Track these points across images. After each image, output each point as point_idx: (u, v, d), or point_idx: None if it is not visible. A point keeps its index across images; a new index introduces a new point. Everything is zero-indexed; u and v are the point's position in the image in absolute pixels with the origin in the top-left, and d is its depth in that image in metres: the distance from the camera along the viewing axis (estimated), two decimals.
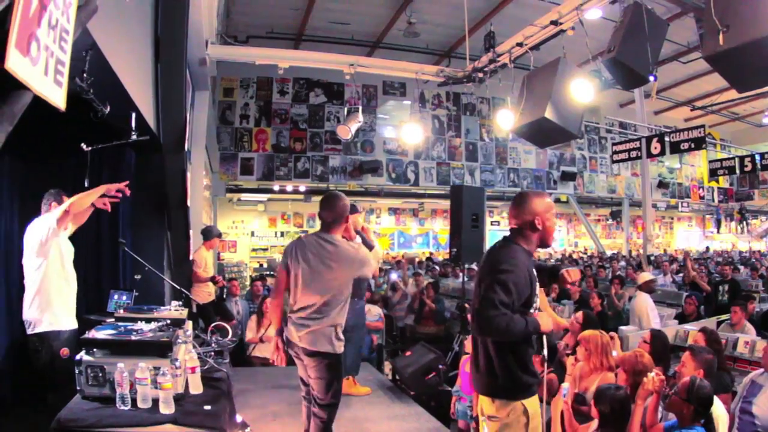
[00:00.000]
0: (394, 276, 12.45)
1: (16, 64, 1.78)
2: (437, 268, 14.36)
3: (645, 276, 8.06)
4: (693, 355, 3.81)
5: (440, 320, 9.23)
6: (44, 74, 2.04)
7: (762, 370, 3.79)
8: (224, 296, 8.47)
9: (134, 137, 5.43)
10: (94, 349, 3.42)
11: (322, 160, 17.91)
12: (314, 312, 3.74)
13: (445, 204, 17.38)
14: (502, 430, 2.90)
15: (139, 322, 3.89)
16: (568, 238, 26.09)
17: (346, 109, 16.13)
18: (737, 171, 15.38)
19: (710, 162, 16.23)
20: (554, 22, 7.35)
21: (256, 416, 4.88)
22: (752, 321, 6.59)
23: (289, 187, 18.37)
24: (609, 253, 21.79)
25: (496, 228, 22.96)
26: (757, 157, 15.19)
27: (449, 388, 5.74)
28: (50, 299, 4.00)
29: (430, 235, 23.18)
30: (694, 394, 3.08)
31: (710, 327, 6.15)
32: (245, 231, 20.25)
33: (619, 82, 6.46)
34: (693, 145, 10.20)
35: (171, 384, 3.21)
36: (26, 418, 4.38)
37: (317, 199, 17.13)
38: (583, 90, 7.08)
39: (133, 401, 3.20)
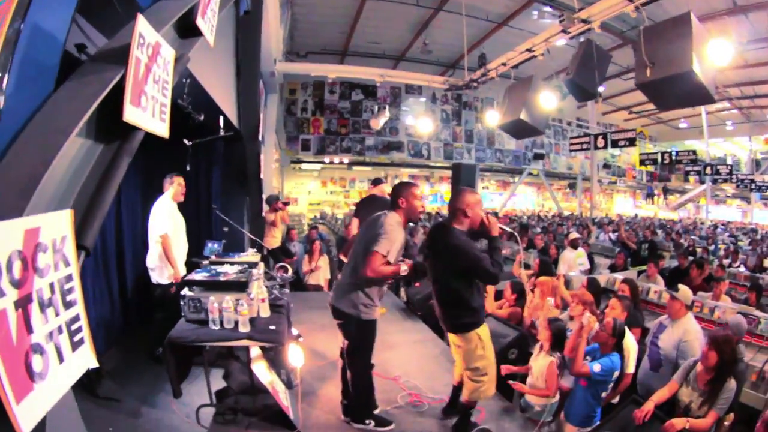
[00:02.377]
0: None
1: (131, 115, 1.85)
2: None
3: (573, 235, 7.86)
4: (619, 301, 3.81)
5: None
6: (152, 116, 2.09)
7: (667, 315, 3.72)
8: (286, 242, 8.25)
9: (222, 134, 5.52)
10: (194, 287, 3.45)
11: (361, 140, 17.97)
12: (347, 273, 3.07)
13: (449, 173, 17.46)
14: (467, 353, 3.00)
15: (225, 265, 3.90)
16: (537, 201, 25.65)
17: (377, 107, 16.13)
18: (659, 162, 15.01)
19: (640, 154, 15.95)
20: (529, 50, 7.14)
21: (307, 328, 4.85)
22: (663, 274, 6.47)
23: (336, 160, 18.43)
24: (566, 213, 21.53)
25: (486, 191, 22.81)
26: (674, 154, 15.11)
27: None
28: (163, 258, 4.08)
29: (438, 195, 23.01)
30: (617, 331, 3.12)
31: (632, 276, 6.12)
32: (304, 190, 20.40)
33: (575, 96, 6.31)
34: (627, 143, 9.92)
35: (247, 311, 3.21)
36: (142, 334, 4.53)
37: (357, 167, 17.41)
38: (548, 100, 6.97)
39: (221, 323, 3.22)
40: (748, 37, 10.65)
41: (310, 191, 20.60)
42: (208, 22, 2.85)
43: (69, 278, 1.48)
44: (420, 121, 11.49)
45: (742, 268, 8.07)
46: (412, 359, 4.44)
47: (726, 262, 8.57)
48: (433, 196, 22.98)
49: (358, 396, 3.19)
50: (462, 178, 12.91)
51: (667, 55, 4.12)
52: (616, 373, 3.13)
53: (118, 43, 1.91)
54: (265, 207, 7.33)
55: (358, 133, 17.86)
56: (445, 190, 22.82)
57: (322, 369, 4.07)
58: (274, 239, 7.24)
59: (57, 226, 1.41)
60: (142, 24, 1.89)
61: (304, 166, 19.39)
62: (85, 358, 1.57)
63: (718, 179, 18.06)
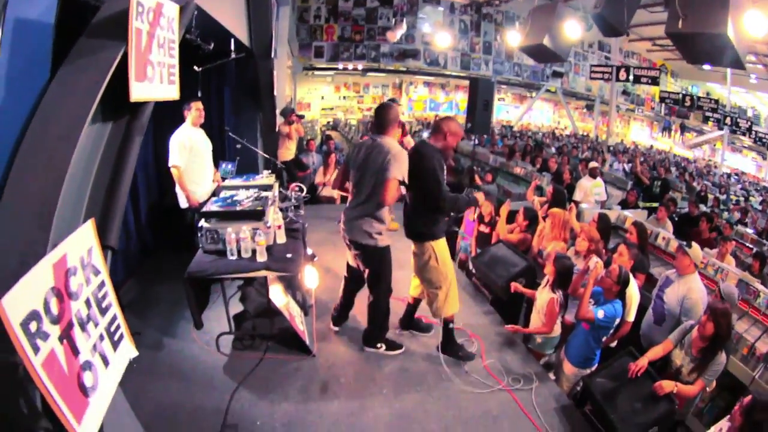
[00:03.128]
0: (425, 135, 11.87)
1: (138, 92, 1.72)
2: None
3: (593, 164, 7.49)
4: (627, 249, 3.75)
5: (458, 172, 7.87)
6: (160, 83, 1.94)
7: (674, 270, 3.63)
8: (302, 153, 7.91)
9: (233, 56, 5.21)
10: (211, 219, 3.25)
11: (375, 47, 16.83)
12: (357, 205, 3.04)
13: (465, 83, 16.58)
14: (419, 262, 3.16)
15: (240, 190, 3.69)
16: (554, 117, 24.63)
17: (393, 15, 14.95)
18: (680, 103, 14.05)
19: (661, 91, 14.84)
20: None
21: (320, 243, 4.80)
22: (672, 219, 6.29)
23: (350, 66, 17.46)
24: (582, 134, 20.82)
25: (501, 103, 21.72)
26: (695, 97, 14.11)
27: (456, 229, 5.50)
28: (188, 182, 4.10)
29: (453, 102, 22.09)
30: (622, 279, 3.15)
31: (642, 217, 6.01)
32: (317, 95, 19.67)
33: (601, 30, 5.80)
34: (650, 81, 9.19)
35: (264, 241, 3.09)
36: (162, 258, 4.62)
37: (371, 74, 16.58)
38: (573, 30, 6.55)
39: (239, 252, 3.11)
40: None
41: (323, 96, 19.86)
42: None
43: (101, 285, 1.44)
44: (438, 36, 10.66)
45: (750, 229, 7.82)
46: None
47: (736, 216, 8.35)
48: (448, 104, 22.17)
49: (374, 320, 3.27)
50: (479, 93, 12.20)
51: (701, 12, 3.67)
52: (618, 320, 3.18)
53: (114, 8, 1.70)
54: (280, 119, 7.08)
55: (372, 40, 16.75)
56: (460, 98, 21.91)
57: (335, 288, 3.93)
58: (288, 151, 7.06)
59: (81, 242, 1.33)
60: None
61: (317, 72, 18.51)
62: (126, 351, 1.57)
63: (737, 131, 16.84)
